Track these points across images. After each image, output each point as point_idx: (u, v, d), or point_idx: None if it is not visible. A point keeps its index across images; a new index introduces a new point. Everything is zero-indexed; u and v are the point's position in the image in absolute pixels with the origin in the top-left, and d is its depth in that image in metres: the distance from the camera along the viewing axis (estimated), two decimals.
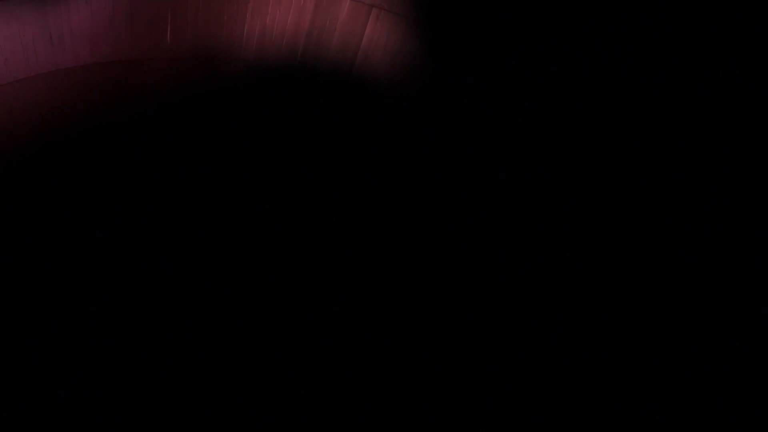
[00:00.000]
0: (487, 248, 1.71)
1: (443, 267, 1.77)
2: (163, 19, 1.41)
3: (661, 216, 1.69)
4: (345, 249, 1.69)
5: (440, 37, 1.51)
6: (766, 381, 1.56)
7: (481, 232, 1.72)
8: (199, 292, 1.70)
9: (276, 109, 1.58)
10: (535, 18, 1.52)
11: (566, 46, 1.55)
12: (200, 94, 1.53)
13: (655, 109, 1.64)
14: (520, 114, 1.59)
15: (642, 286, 1.75)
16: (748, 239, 1.62)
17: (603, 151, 1.69)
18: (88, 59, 1.49)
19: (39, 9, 1.39)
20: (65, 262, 1.60)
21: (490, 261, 1.73)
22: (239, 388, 1.65)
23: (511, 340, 1.77)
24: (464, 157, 1.63)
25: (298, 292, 1.73)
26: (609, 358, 1.73)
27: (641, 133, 1.66)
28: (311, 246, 1.68)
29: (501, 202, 1.66)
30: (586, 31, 1.52)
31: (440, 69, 1.52)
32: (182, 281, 1.70)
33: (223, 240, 1.67)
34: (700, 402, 1.62)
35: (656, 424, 1.66)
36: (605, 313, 1.76)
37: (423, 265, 1.73)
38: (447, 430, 1.73)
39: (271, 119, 1.59)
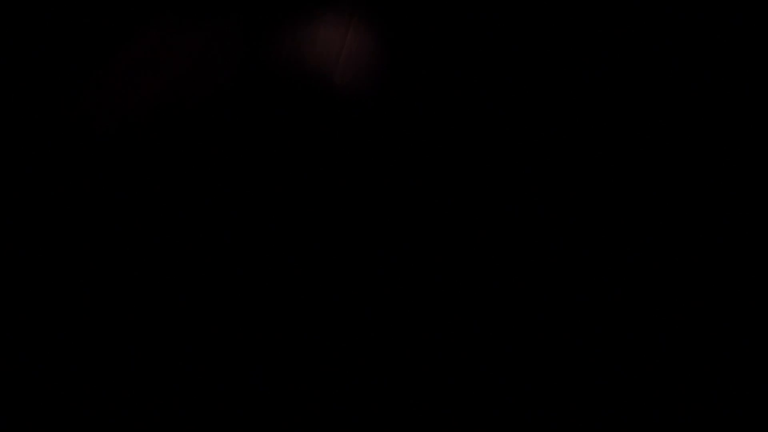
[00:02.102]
0: (484, 249, 1.69)
1: (441, 267, 1.75)
2: None
3: (661, 216, 1.67)
4: (336, 252, 1.68)
5: (430, 37, 1.52)
6: (766, 381, 1.51)
7: (478, 233, 1.71)
8: (198, 293, 1.69)
9: (259, 113, 1.59)
10: (525, 16, 1.53)
11: (564, 45, 1.56)
12: (183, 99, 1.55)
13: (655, 107, 1.63)
14: (513, 114, 1.59)
15: (643, 286, 1.71)
16: (749, 240, 1.59)
17: (601, 152, 1.68)
18: None
19: None
20: (62, 261, 1.60)
21: (489, 262, 1.71)
22: (240, 388, 1.62)
23: (512, 340, 1.73)
24: (456, 157, 1.62)
25: (297, 295, 1.71)
26: (610, 357, 1.68)
27: (639, 134, 1.65)
28: (302, 249, 1.67)
29: (498, 201, 1.64)
30: (584, 32, 1.53)
31: (431, 70, 1.53)
32: (180, 281, 1.69)
33: (212, 239, 1.67)
34: (701, 402, 1.56)
35: (657, 425, 1.60)
36: (606, 312, 1.72)
37: (419, 265, 1.71)
38: (447, 429, 1.68)
39: (256, 122, 1.60)
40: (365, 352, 1.84)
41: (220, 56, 1.68)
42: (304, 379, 1.79)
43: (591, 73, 1.74)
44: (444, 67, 1.69)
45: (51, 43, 1.59)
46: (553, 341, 1.82)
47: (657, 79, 1.77)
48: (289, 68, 1.62)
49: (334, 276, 1.87)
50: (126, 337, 1.73)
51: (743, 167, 1.76)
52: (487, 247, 1.85)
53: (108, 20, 1.65)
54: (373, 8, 1.52)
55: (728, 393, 1.68)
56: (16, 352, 1.65)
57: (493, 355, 1.84)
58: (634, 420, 1.76)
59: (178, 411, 1.68)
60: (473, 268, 1.86)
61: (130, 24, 1.70)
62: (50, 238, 1.78)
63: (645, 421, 1.75)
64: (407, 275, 1.86)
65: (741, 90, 1.72)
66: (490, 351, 1.84)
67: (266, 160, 1.82)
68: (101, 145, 1.80)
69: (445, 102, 1.74)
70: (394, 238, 1.86)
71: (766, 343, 1.66)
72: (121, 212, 1.80)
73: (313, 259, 1.87)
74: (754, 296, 1.73)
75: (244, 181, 1.84)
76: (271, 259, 1.88)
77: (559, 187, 1.82)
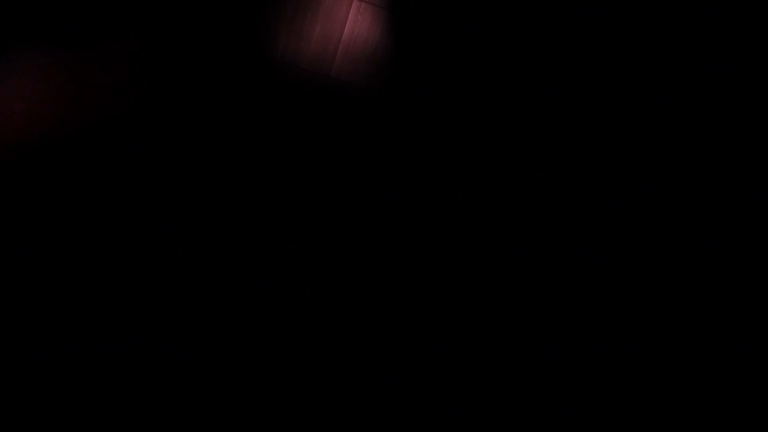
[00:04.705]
0: (484, 249, 1.68)
1: (441, 268, 1.74)
2: None
3: (660, 217, 1.66)
4: (336, 248, 1.67)
5: (425, 31, 1.52)
6: (766, 381, 1.49)
7: (475, 231, 1.70)
8: (196, 292, 1.68)
9: (255, 105, 1.59)
10: (526, 13, 1.53)
11: (563, 44, 1.55)
12: (179, 89, 1.55)
13: (653, 110, 1.62)
14: (517, 110, 1.58)
15: (642, 288, 1.70)
16: (748, 241, 1.58)
17: (600, 153, 1.67)
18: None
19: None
20: (66, 258, 1.59)
21: (489, 262, 1.70)
22: (241, 389, 1.61)
23: (513, 339, 1.72)
24: (453, 154, 1.61)
25: (296, 293, 1.70)
26: (611, 358, 1.67)
27: (640, 134, 1.64)
28: (301, 246, 1.66)
29: (496, 202, 1.63)
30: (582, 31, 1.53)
31: (424, 64, 1.52)
32: (182, 280, 1.69)
33: (203, 237, 1.66)
34: (702, 403, 1.55)
35: (658, 425, 1.58)
36: (607, 313, 1.71)
37: (419, 267, 1.71)
38: (447, 430, 1.67)
39: (252, 114, 1.60)
40: (367, 349, 1.83)
41: (214, 50, 1.68)
42: (304, 378, 1.78)
43: (596, 67, 1.73)
44: (444, 60, 1.68)
45: None
46: (555, 340, 1.81)
47: (656, 81, 1.76)
48: (284, 63, 1.62)
49: (334, 273, 1.87)
50: (126, 336, 1.73)
51: (743, 169, 1.75)
52: (488, 245, 1.84)
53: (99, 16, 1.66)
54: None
55: (728, 393, 1.66)
56: (16, 351, 1.65)
57: (494, 355, 1.83)
58: (634, 420, 1.75)
59: (178, 411, 1.68)
60: (474, 265, 1.85)
61: (118, 19, 1.70)
62: (50, 240, 1.78)
63: (644, 421, 1.74)
64: (407, 271, 1.85)
65: (741, 91, 1.71)
66: (491, 350, 1.83)
67: (263, 154, 1.81)
68: (103, 144, 1.80)
69: (445, 96, 1.73)
70: (394, 234, 1.85)
71: (765, 343, 1.65)
72: (119, 212, 1.80)
73: (313, 255, 1.86)
74: (754, 296, 1.71)
75: (242, 177, 1.83)
76: (270, 257, 1.87)
77: (562, 183, 1.81)
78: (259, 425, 1.74)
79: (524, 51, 1.68)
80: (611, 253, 1.83)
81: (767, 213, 1.73)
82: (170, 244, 1.83)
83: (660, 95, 1.75)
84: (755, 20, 1.64)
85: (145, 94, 1.73)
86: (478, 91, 1.70)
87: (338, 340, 1.86)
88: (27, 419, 1.58)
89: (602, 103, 1.75)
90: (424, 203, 1.84)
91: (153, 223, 1.83)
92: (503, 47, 1.65)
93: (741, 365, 1.67)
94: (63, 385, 1.64)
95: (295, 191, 1.86)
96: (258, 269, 1.88)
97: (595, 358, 1.81)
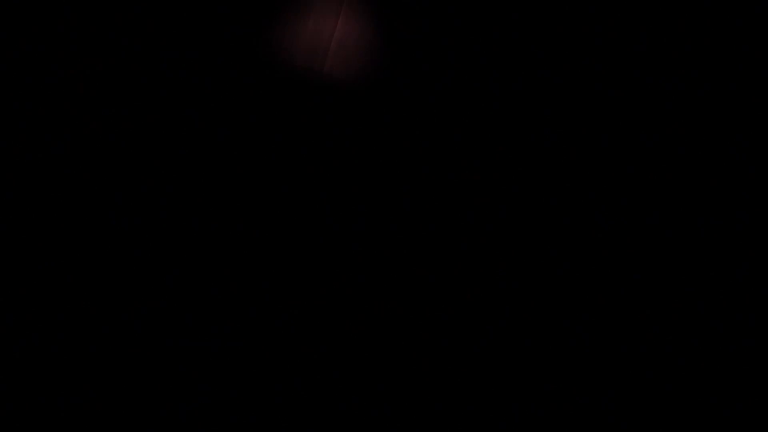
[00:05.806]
0: (481, 247, 1.69)
1: (438, 265, 1.74)
2: None
3: (658, 216, 1.66)
4: (331, 246, 1.67)
5: (417, 27, 1.51)
6: (766, 381, 1.50)
7: (474, 230, 1.70)
8: (195, 291, 1.69)
9: (248, 101, 1.59)
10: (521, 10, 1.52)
11: (562, 45, 1.55)
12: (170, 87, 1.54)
13: (649, 109, 1.62)
14: (507, 107, 1.58)
15: (640, 286, 1.70)
16: (747, 240, 1.58)
17: (600, 146, 1.67)
18: None
19: None
20: (64, 261, 1.60)
21: (486, 258, 1.70)
22: (241, 388, 1.62)
23: (511, 339, 1.72)
24: (448, 149, 1.61)
25: (294, 292, 1.71)
26: (610, 357, 1.67)
27: (636, 133, 1.64)
28: (297, 244, 1.67)
29: (491, 196, 1.63)
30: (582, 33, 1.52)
31: (417, 59, 1.52)
32: (180, 278, 1.69)
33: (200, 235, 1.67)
34: (701, 402, 1.55)
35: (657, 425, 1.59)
36: (603, 313, 1.71)
37: (416, 264, 1.71)
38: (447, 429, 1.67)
39: (245, 110, 1.60)
40: (364, 350, 1.83)
41: (209, 50, 1.68)
42: (304, 378, 1.79)
43: (589, 61, 1.72)
44: (436, 56, 1.68)
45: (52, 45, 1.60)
46: (552, 340, 1.81)
47: (654, 80, 1.76)
48: (278, 60, 1.62)
49: (329, 270, 1.87)
50: (126, 337, 1.73)
51: (742, 168, 1.75)
52: (484, 244, 1.84)
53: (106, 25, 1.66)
54: None
55: (728, 393, 1.66)
56: (15, 351, 1.66)
57: (493, 355, 1.84)
58: (633, 419, 1.75)
59: (178, 411, 1.69)
60: (468, 265, 1.85)
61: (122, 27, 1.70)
62: (51, 239, 1.78)
63: (644, 421, 1.74)
64: (404, 270, 1.85)
65: (741, 91, 1.71)
66: (491, 350, 1.84)
67: (256, 151, 1.82)
68: (99, 145, 1.80)
69: (437, 92, 1.73)
70: (389, 231, 1.85)
71: (765, 344, 1.65)
72: (117, 211, 1.81)
73: (307, 253, 1.87)
74: (753, 296, 1.72)
75: (234, 173, 1.84)
76: (266, 255, 1.87)
77: (556, 181, 1.81)
78: (258, 424, 1.75)
79: (519, 47, 1.69)
80: (610, 252, 1.83)
81: (766, 212, 1.73)
82: (168, 242, 1.84)
83: (658, 96, 1.75)
84: (755, 20, 1.64)
85: (140, 91, 1.73)
86: (472, 86, 1.70)
87: (334, 339, 1.86)
88: (27, 419, 1.59)
89: (597, 99, 1.75)
90: (419, 198, 1.85)
91: (151, 221, 1.84)
92: (498, 43, 1.66)
93: (740, 365, 1.67)
94: (62, 385, 1.65)
95: (288, 186, 1.86)
96: (255, 267, 1.89)
97: (594, 358, 1.81)
